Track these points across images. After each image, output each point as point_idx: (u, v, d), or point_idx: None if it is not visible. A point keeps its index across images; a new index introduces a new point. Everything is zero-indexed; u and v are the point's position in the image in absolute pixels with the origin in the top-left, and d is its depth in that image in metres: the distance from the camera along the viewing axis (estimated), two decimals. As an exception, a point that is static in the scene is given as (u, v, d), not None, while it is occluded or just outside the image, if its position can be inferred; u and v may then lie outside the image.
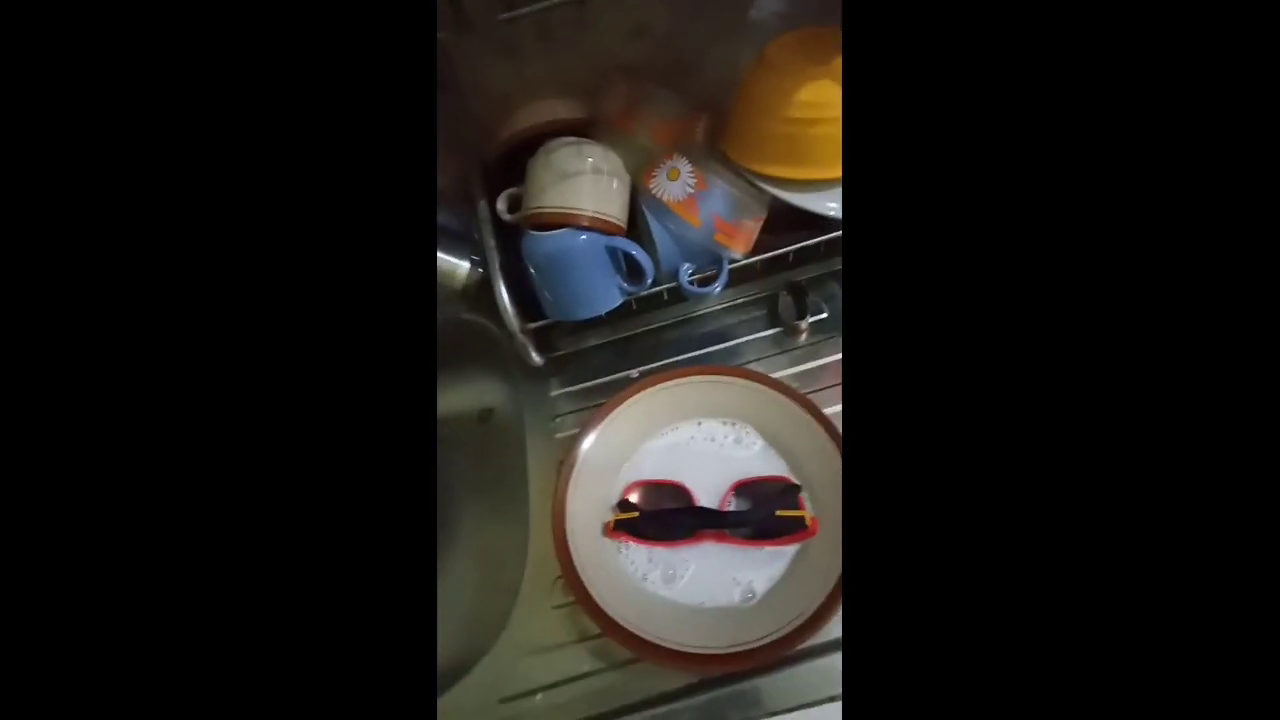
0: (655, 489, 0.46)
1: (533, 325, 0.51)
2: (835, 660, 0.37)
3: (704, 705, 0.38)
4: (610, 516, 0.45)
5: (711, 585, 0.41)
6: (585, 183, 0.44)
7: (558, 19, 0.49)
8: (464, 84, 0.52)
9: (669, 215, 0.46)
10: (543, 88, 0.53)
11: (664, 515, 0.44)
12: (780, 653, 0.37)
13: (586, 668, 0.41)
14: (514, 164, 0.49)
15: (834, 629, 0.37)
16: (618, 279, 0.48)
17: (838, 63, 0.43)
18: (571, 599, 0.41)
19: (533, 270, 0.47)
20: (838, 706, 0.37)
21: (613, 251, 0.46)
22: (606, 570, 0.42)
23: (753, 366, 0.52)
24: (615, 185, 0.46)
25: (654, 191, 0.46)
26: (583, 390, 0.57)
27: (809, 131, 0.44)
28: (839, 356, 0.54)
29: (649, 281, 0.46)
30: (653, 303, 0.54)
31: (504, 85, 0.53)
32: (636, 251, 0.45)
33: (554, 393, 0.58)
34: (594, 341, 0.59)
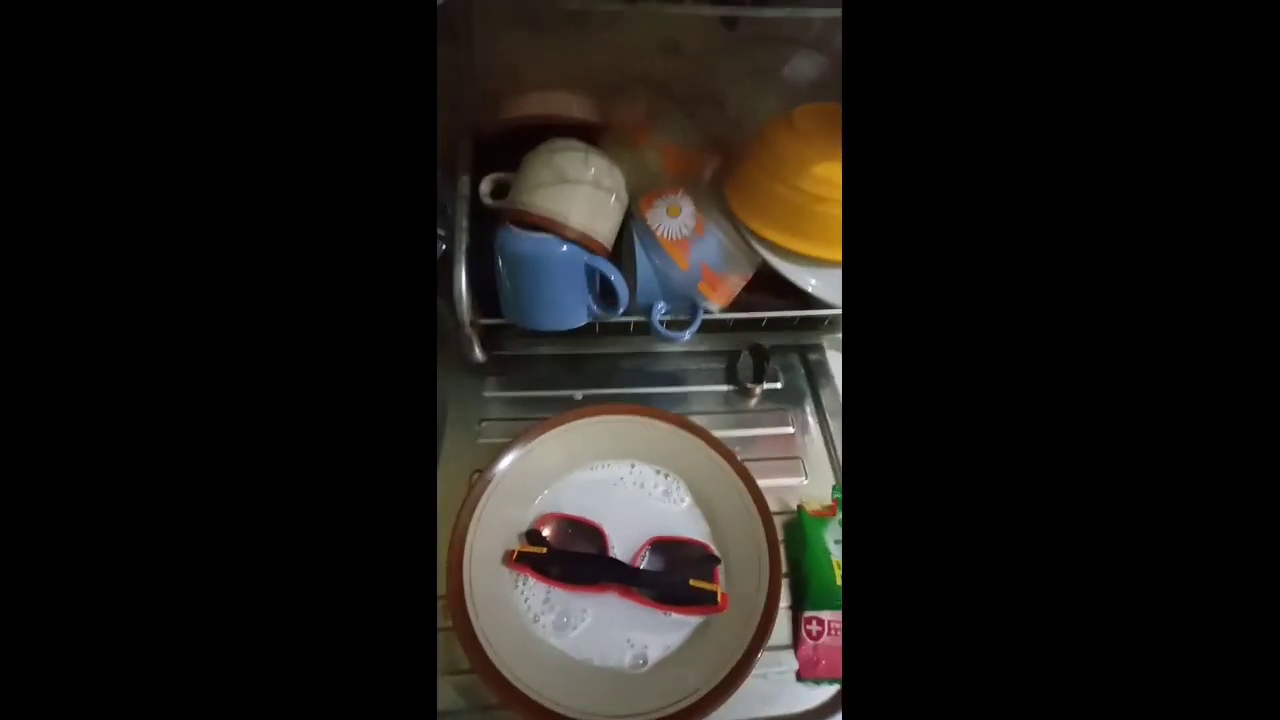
0: (570, 525, 0.43)
1: (485, 321, 0.48)
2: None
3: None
4: (516, 545, 0.42)
5: (604, 642, 0.39)
6: (582, 194, 0.41)
7: (594, 11, 0.46)
8: (477, 43, 0.48)
9: (658, 250, 0.44)
10: (560, 76, 0.50)
11: (573, 558, 0.41)
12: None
13: (445, 705, 0.38)
14: (509, 146, 0.45)
15: (721, 715, 0.36)
16: (589, 299, 0.45)
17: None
18: (448, 624, 0.38)
19: (502, 266, 0.44)
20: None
21: (591, 271, 0.43)
22: (497, 603, 0.39)
23: (698, 419, 0.51)
24: (612, 204, 0.43)
25: (649, 222, 0.44)
26: (520, 399, 0.54)
27: (814, 207, 0.44)
28: (783, 430, 0.53)
29: (620, 311, 0.44)
30: (614, 328, 0.52)
31: (520, 59, 0.49)
32: (615, 277, 0.42)
33: (488, 393, 0.54)
34: (544, 351, 0.56)
